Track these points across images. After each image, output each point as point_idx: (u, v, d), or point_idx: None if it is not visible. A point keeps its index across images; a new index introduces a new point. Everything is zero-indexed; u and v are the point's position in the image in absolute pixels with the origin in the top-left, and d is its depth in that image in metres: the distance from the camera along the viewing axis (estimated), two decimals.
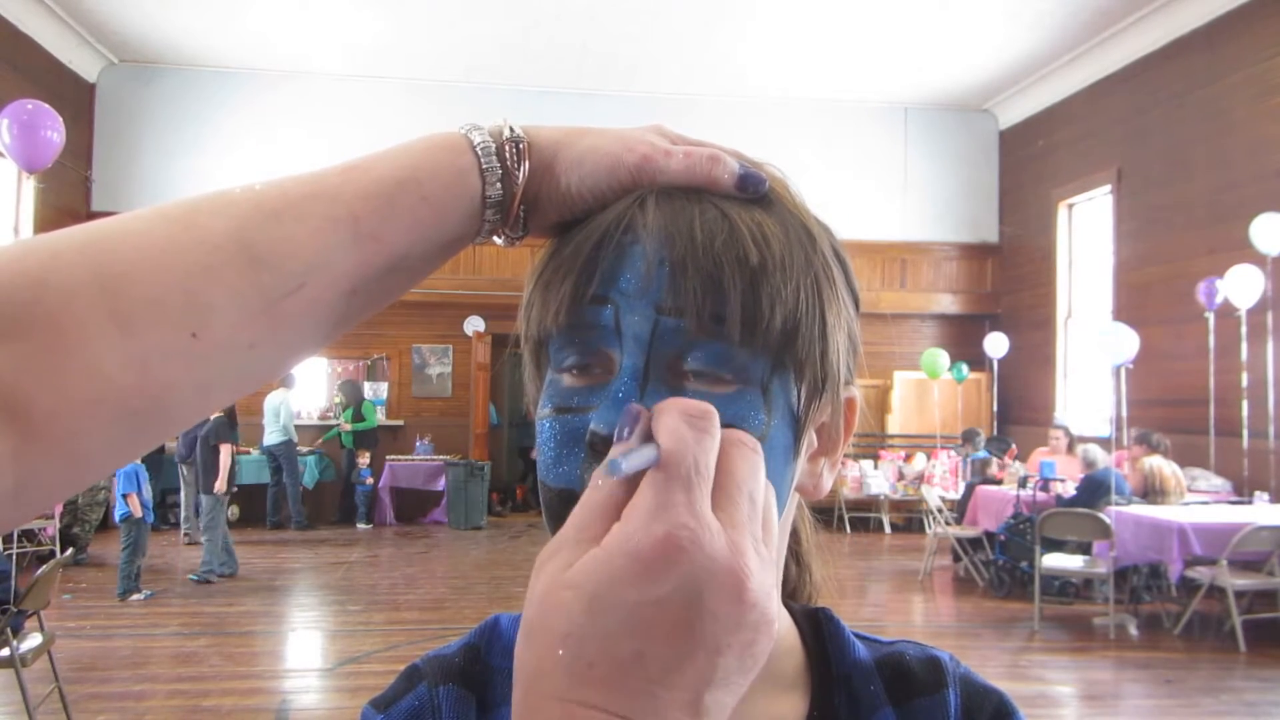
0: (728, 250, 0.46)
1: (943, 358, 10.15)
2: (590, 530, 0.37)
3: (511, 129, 0.52)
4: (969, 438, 9.31)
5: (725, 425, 0.45)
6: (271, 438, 9.93)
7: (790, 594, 0.61)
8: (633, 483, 0.38)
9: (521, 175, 0.51)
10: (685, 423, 0.39)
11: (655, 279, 0.46)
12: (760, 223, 0.48)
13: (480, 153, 0.50)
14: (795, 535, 0.62)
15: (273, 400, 9.95)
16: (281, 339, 0.45)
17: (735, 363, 0.46)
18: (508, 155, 0.51)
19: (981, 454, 8.55)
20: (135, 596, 6.52)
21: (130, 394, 0.40)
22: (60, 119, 5.34)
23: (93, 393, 0.39)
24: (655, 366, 0.47)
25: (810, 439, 0.52)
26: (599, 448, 0.45)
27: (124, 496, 6.51)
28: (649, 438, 0.39)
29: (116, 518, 6.63)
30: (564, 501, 0.48)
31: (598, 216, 0.50)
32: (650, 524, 0.35)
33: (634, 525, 0.36)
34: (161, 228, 0.43)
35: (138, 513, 6.60)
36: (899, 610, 7.04)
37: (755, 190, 0.50)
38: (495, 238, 0.54)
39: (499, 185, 0.51)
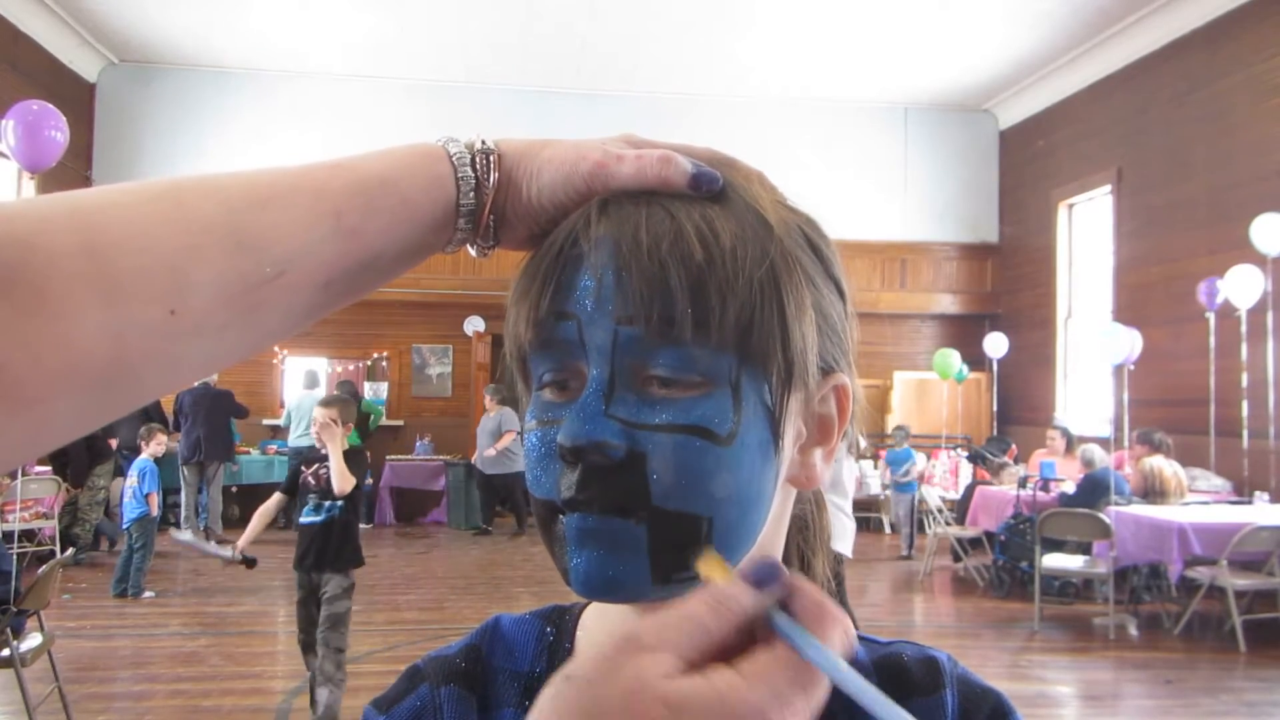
0: (673, 251, 0.46)
1: (954, 357, 10.14)
2: (694, 652, 0.36)
3: (483, 141, 0.53)
4: (1001, 448, 9.15)
5: (691, 427, 0.46)
6: (307, 438, 9.88)
7: None
8: (748, 626, 0.38)
9: (491, 185, 0.52)
10: (844, 649, 0.39)
11: (606, 289, 0.47)
12: (710, 218, 0.48)
13: (456, 162, 0.51)
14: (804, 531, 0.62)
15: (306, 401, 9.94)
16: (253, 324, 0.46)
17: (699, 364, 0.46)
18: (479, 166, 0.52)
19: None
20: (147, 595, 6.56)
21: (104, 364, 0.40)
22: (64, 119, 5.33)
23: (67, 359, 0.39)
24: (620, 375, 0.47)
25: (798, 430, 0.51)
26: (568, 458, 0.46)
27: (146, 496, 6.57)
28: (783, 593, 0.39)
29: (130, 516, 6.64)
30: (549, 512, 0.49)
31: (556, 230, 0.51)
32: (774, 706, 0.35)
33: (759, 698, 0.35)
34: (151, 203, 0.43)
35: (155, 511, 6.66)
36: (899, 610, 7.03)
37: (709, 188, 0.49)
38: (469, 247, 0.55)
39: (471, 195, 0.52)
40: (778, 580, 0.39)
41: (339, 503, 4.02)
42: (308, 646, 4.10)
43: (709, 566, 0.44)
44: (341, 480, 3.90)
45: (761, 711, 0.35)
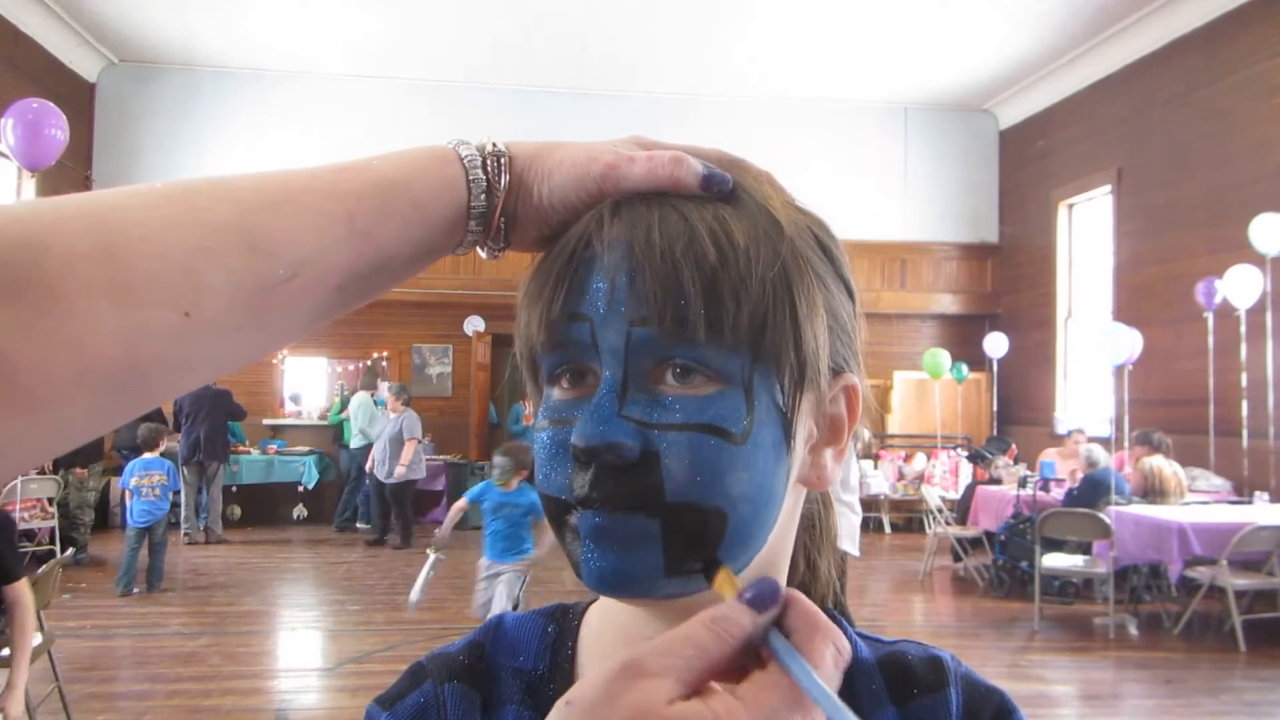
0: (686, 253, 0.46)
1: (944, 357, 10.16)
2: (695, 675, 0.38)
3: (494, 144, 0.53)
4: (1001, 448, 9.12)
5: (705, 426, 0.46)
6: (361, 439, 9.87)
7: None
8: (748, 645, 0.40)
9: (503, 187, 0.52)
10: (836, 664, 0.40)
11: (619, 291, 0.47)
12: (723, 219, 0.48)
13: (467, 165, 0.52)
14: (811, 530, 0.62)
15: (366, 402, 9.98)
16: (266, 326, 0.46)
17: (712, 364, 0.46)
18: (490, 168, 0.52)
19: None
20: (136, 590, 6.58)
21: (116, 366, 0.40)
22: (64, 117, 5.33)
23: (80, 361, 0.39)
24: (634, 376, 0.47)
25: (809, 430, 0.51)
26: (581, 459, 0.46)
27: (175, 492, 6.71)
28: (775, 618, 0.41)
29: (157, 514, 6.68)
30: (559, 509, 0.49)
31: (568, 231, 0.51)
32: None
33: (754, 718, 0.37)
34: (164, 206, 0.43)
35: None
36: (899, 610, 7.04)
37: (720, 189, 0.50)
38: (480, 249, 0.55)
39: (483, 198, 0.52)
40: (775, 600, 0.41)
41: None
42: None
43: (721, 584, 0.45)
44: None
45: None
